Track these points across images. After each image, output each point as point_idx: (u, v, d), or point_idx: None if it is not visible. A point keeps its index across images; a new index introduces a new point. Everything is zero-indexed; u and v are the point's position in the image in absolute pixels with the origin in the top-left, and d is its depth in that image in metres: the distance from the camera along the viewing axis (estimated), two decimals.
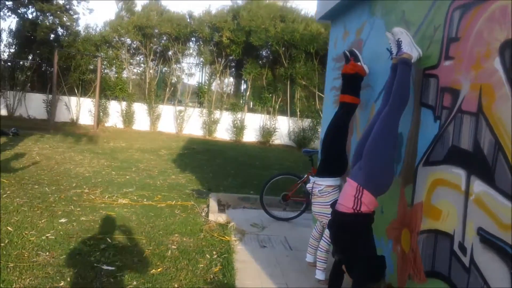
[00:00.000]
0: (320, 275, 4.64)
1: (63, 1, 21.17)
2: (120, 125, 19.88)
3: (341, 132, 4.77)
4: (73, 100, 19.98)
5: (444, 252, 3.06)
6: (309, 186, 4.89)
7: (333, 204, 3.78)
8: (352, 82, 4.74)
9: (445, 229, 3.06)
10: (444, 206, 3.11)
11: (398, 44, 3.58)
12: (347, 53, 4.81)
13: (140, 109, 19.82)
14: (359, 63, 4.69)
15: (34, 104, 20.22)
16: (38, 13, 20.76)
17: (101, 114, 19.51)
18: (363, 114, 4.96)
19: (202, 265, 4.80)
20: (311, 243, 5.11)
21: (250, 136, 19.00)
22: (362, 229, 3.57)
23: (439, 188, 3.19)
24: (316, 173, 4.92)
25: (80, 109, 19.92)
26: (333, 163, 4.77)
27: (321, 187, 4.72)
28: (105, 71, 20.17)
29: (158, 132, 19.37)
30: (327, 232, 4.69)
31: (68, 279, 4.11)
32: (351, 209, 3.49)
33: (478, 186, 2.71)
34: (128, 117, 19.74)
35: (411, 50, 3.53)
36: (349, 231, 3.55)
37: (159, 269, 4.54)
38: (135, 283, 4.17)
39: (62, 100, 19.81)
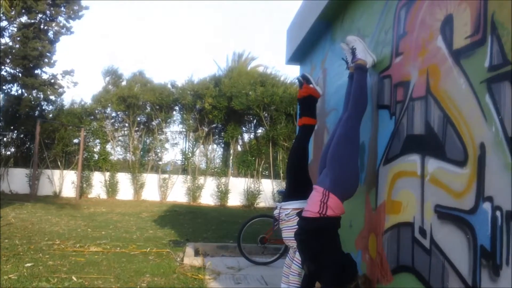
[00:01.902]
0: None
1: (48, 76, 21.60)
2: (103, 195, 19.62)
3: (301, 154, 4.77)
4: (56, 173, 19.82)
5: (407, 243, 2.98)
6: (276, 212, 4.81)
7: (300, 213, 3.71)
8: (307, 104, 4.83)
9: (406, 219, 3.00)
10: (403, 196, 3.07)
11: (353, 51, 3.68)
12: (300, 78, 4.94)
13: (123, 178, 19.67)
14: (311, 85, 4.80)
15: (16, 179, 19.95)
16: (23, 89, 21.08)
17: (84, 185, 19.32)
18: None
19: None
20: (284, 272, 4.91)
21: (235, 200, 18.82)
22: (328, 233, 3.48)
23: (398, 181, 3.17)
24: (282, 199, 4.85)
25: (63, 181, 19.70)
26: (297, 186, 4.72)
27: (287, 211, 4.63)
28: (89, 143, 20.23)
29: (142, 200, 19.11)
30: (298, 255, 4.54)
31: None
32: (317, 213, 3.43)
33: (432, 165, 2.70)
34: (111, 187, 19.53)
35: (365, 56, 3.62)
36: (315, 236, 3.46)
37: None
38: None
39: (45, 173, 19.64)
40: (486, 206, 2.15)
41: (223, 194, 18.72)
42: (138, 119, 20.32)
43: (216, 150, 21.08)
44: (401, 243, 3.07)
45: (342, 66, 4.49)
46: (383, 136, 3.47)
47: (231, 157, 19.72)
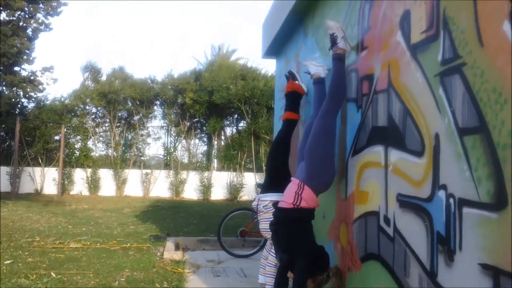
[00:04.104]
0: None
1: (27, 73, 21.35)
2: (85, 192, 19.51)
3: (282, 147, 4.86)
4: (37, 170, 19.65)
5: (373, 232, 3.09)
6: (254, 203, 4.89)
7: (276, 204, 3.80)
8: (292, 100, 4.91)
9: (372, 209, 3.11)
10: (370, 187, 3.17)
11: (333, 38, 3.58)
12: (287, 74, 5.02)
13: (106, 174, 19.59)
14: (296, 82, 4.88)
15: None
16: (2, 87, 20.81)
17: (66, 182, 19.20)
18: (304, 130, 5.08)
19: None
20: (262, 263, 5.02)
21: (218, 194, 18.89)
22: (302, 224, 3.57)
23: (365, 172, 3.27)
24: (260, 190, 4.93)
25: (45, 179, 19.55)
26: (276, 178, 4.81)
27: (265, 203, 4.73)
28: (70, 139, 20.09)
29: (125, 196, 19.05)
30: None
31: None
32: (291, 204, 3.51)
33: (394, 155, 2.81)
34: (94, 184, 19.44)
35: (345, 45, 3.59)
36: (288, 226, 3.55)
37: None
38: None
39: (26, 171, 19.46)
40: (441, 194, 2.26)
41: (206, 188, 18.76)
42: (119, 114, 20.22)
43: (198, 145, 21.11)
44: (368, 232, 3.18)
45: (314, 59, 4.57)
46: (352, 128, 3.57)
47: (214, 151, 19.76)
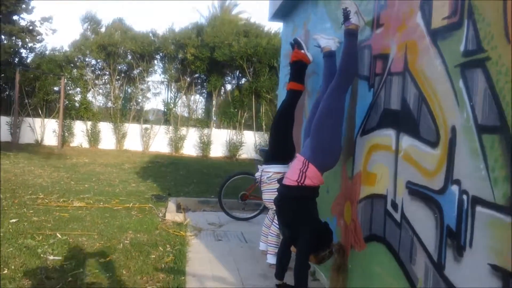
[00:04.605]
0: (271, 259, 4.62)
1: (26, 22, 20.94)
2: (85, 144, 19.56)
3: (286, 118, 4.84)
4: (37, 121, 19.61)
5: (379, 214, 3.11)
6: (257, 174, 4.92)
7: (280, 180, 3.81)
8: (296, 69, 4.83)
9: (380, 191, 3.11)
10: (378, 169, 3.17)
11: (346, 13, 3.47)
12: (292, 42, 4.92)
13: (106, 128, 19.58)
14: (302, 51, 4.78)
15: None
16: (1, 36, 20.44)
17: (66, 134, 19.21)
18: (311, 101, 5.01)
19: (154, 256, 4.73)
20: (263, 231, 5.11)
21: (217, 151, 18.97)
22: (305, 202, 3.60)
23: (374, 154, 3.26)
24: (264, 161, 4.94)
25: (45, 130, 19.53)
26: (279, 149, 4.82)
27: (269, 174, 4.75)
28: (70, 91, 19.95)
29: (124, 150, 19.12)
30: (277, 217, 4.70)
31: (13, 267, 4.01)
32: (295, 182, 3.52)
33: (406, 142, 2.78)
34: (93, 137, 19.46)
35: (358, 20, 3.48)
36: (292, 203, 3.58)
37: (108, 258, 4.46)
38: (81, 270, 4.08)
39: (26, 121, 19.43)
40: (454, 188, 2.25)
41: (205, 145, 18.82)
42: (119, 67, 19.99)
43: (198, 101, 21.01)
44: (374, 214, 3.20)
45: (324, 31, 4.48)
46: (362, 107, 3.53)
47: (214, 108, 19.69)
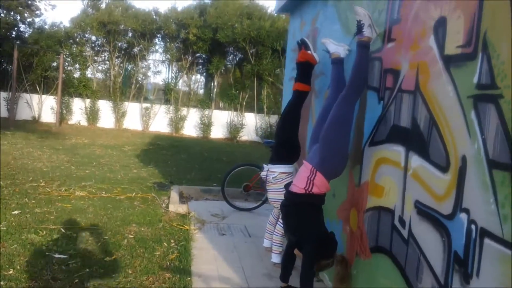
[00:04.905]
0: (275, 258, 4.70)
1: None
2: (84, 122, 19.56)
3: (293, 119, 4.86)
4: (35, 97, 19.53)
5: (386, 227, 3.16)
6: (263, 174, 4.96)
7: (287, 185, 3.85)
8: (303, 70, 4.84)
9: (387, 205, 3.16)
10: (386, 183, 3.21)
11: (359, 26, 3.47)
12: (299, 42, 4.90)
13: (105, 106, 19.55)
14: (309, 52, 4.78)
15: None
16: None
17: (64, 111, 19.18)
18: (318, 101, 5.04)
19: (159, 253, 4.79)
20: (268, 228, 5.18)
21: (218, 132, 19.01)
22: (312, 209, 3.64)
23: (382, 166, 3.29)
24: (270, 161, 4.97)
25: (42, 106, 19.49)
26: (286, 150, 4.86)
27: (275, 174, 4.79)
28: (69, 68, 19.83)
29: (124, 129, 19.15)
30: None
31: (18, 267, 4.05)
32: (303, 189, 3.56)
33: (415, 161, 2.81)
34: (92, 115, 19.44)
35: (371, 33, 3.47)
36: (299, 211, 3.62)
37: (113, 257, 4.52)
38: (87, 270, 4.14)
39: (24, 97, 19.35)
40: (463, 216, 2.29)
41: (206, 126, 18.85)
42: (119, 45, 19.82)
43: (199, 81, 20.93)
44: (381, 226, 3.25)
45: (333, 32, 4.46)
46: (370, 118, 3.54)
47: (215, 90, 19.63)
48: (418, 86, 2.84)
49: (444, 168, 2.50)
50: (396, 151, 3.07)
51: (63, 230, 5.14)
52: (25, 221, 5.38)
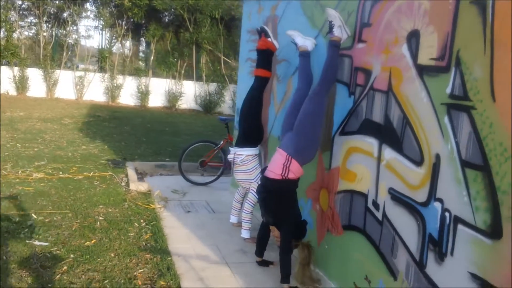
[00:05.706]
0: (245, 234, 5.08)
1: None
2: (12, 92, 18.63)
3: (256, 104, 5.19)
4: None
5: (359, 209, 3.58)
6: (230, 156, 5.27)
7: (263, 171, 4.16)
8: (263, 57, 5.14)
9: (360, 189, 3.58)
10: (358, 169, 3.61)
11: (330, 26, 3.81)
12: (259, 29, 5.16)
13: (35, 74, 18.66)
14: (269, 39, 5.07)
15: None
16: None
17: None
18: (280, 87, 5.35)
19: (133, 234, 4.99)
20: (234, 205, 5.54)
21: (156, 101, 18.83)
22: (289, 194, 4.00)
23: (354, 155, 3.69)
24: (236, 144, 5.30)
25: None
26: (251, 133, 5.20)
27: (242, 157, 5.15)
28: None
29: (56, 99, 18.45)
30: (250, 195, 5.13)
31: (4, 258, 4.12)
32: (280, 175, 3.89)
33: (389, 153, 3.22)
34: (21, 84, 18.52)
35: (341, 33, 3.79)
36: (277, 195, 3.96)
37: (92, 241, 4.68)
38: (72, 256, 4.28)
39: None
40: (437, 205, 2.72)
41: (143, 94, 18.60)
42: (48, 9, 18.81)
43: (135, 48, 20.45)
44: (354, 207, 3.67)
45: (298, 25, 4.73)
46: (341, 110, 3.91)
47: (152, 57, 19.30)
48: (391, 87, 3.22)
49: (418, 163, 2.92)
50: (369, 142, 3.47)
51: (34, 216, 5.19)
52: None
